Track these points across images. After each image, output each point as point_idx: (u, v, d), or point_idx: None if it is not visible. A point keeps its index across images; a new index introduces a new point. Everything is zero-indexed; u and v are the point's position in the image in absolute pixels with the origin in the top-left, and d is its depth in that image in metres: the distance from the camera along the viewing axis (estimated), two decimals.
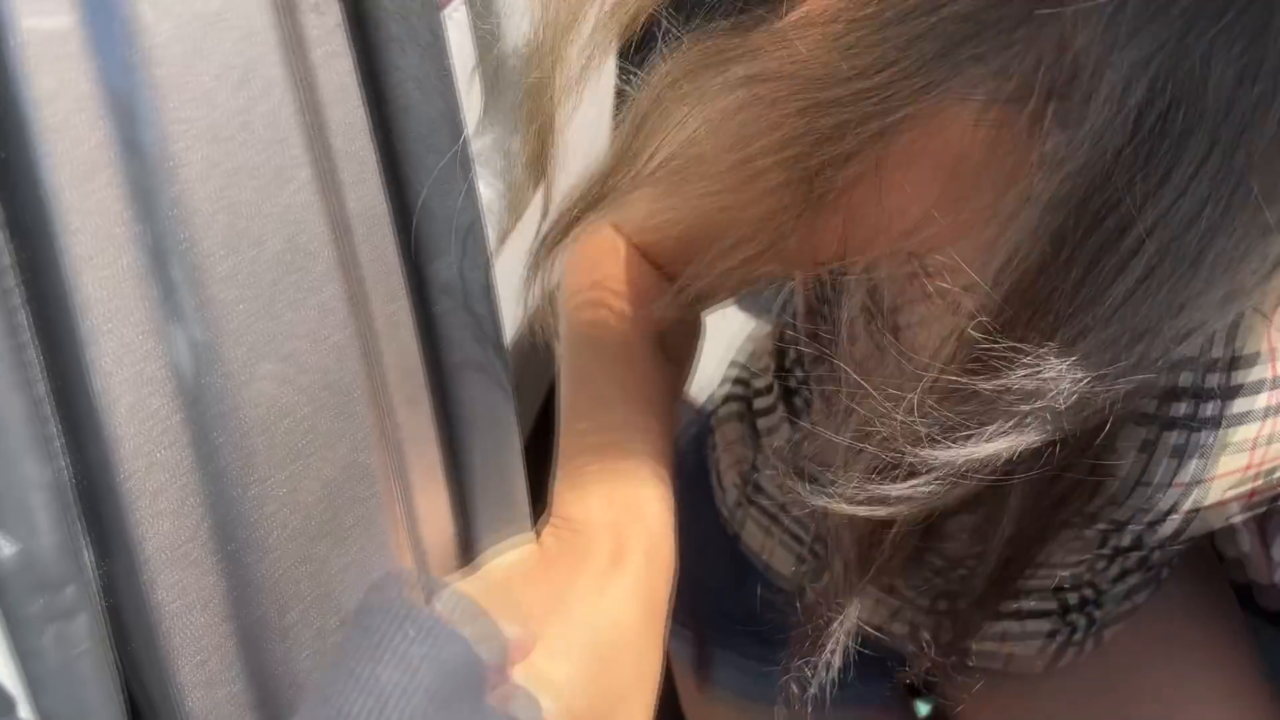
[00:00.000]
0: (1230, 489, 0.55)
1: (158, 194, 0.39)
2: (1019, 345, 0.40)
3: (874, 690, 0.89)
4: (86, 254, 0.38)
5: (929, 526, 0.54)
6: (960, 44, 0.38)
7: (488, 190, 0.64)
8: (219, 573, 0.43)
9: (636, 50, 0.52)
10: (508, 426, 0.51)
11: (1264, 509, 0.63)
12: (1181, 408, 0.51)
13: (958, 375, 0.41)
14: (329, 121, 0.43)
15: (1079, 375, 0.38)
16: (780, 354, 0.79)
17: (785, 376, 0.78)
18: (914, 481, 0.42)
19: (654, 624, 0.50)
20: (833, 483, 0.46)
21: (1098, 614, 0.78)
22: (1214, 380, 0.50)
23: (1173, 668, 0.82)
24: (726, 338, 0.92)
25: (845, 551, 0.53)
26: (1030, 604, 0.76)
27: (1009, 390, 0.40)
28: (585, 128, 0.70)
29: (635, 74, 0.52)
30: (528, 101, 0.53)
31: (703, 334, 0.65)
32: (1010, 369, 0.40)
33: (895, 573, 0.54)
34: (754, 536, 0.87)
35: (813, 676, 0.55)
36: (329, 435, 0.43)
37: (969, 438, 0.41)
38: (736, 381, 0.88)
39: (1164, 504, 0.54)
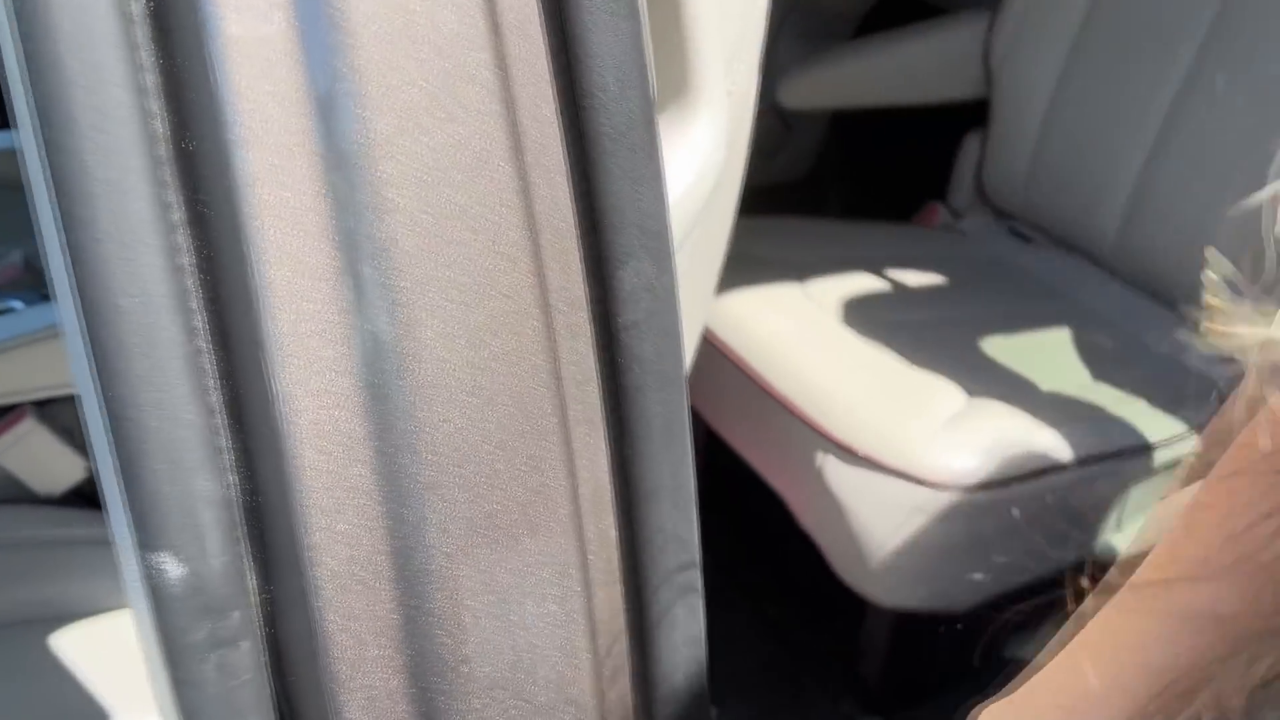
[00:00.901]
0: None
1: (357, 186, 0.35)
2: None
3: None
4: (276, 252, 0.35)
5: None
6: None
7: None
8: (394, 601, 0.39)
9: None
10: (684, 450, 0.47)
11: None
12: None
13: None
14: (520, 115, 0.39)
15: None
16: None
17: None
18: None
19: None
20: None
21: None
22: None
23: None
24: None
25: None
26: None
27: None
28: None
29: None
30: None
31: None
32: None
33: None
34: None
35: None
36: (518, 455, 0.40)
37: None
38: None
39: None
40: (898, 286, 1.37)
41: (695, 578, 0.50)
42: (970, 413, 1.09)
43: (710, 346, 1.24)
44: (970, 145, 1.59)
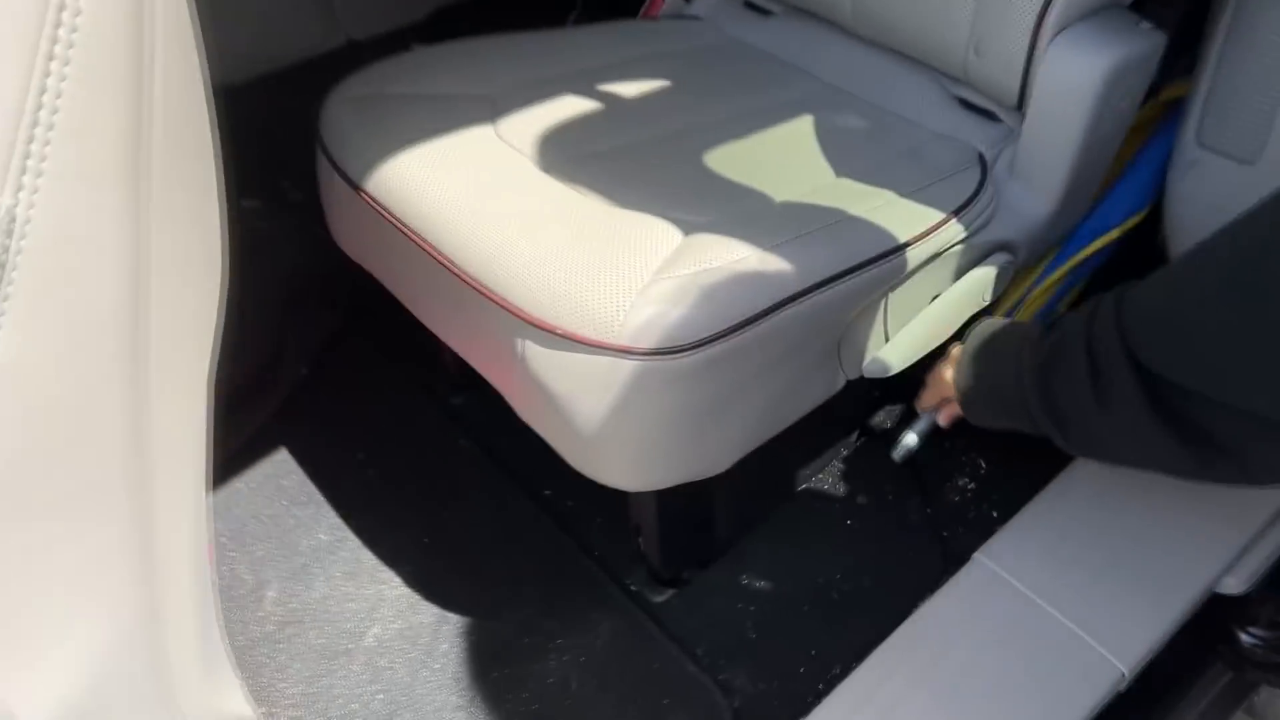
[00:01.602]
0: None
1: None
2: None
3: None
4: None
5: None
6: None
7: None
8: None
9: None
10: None
11: None
12: None
13: None
14: None
15: None
16: None
17: None
18: None
19: None
20: None
21: None
22: None
23: None
24: None
25: None
26: None
27: None
28: None
29: None
30: None
31: None
32: None
33: None
34: None
35: None
36: None
37: None
38: None
39: None
40: (611, 103, 1.16)
41: None
42: (684, 256, 0.91)
43: (389, 225, 1.03)
44: None
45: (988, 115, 1.16)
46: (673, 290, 0.87)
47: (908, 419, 1.13)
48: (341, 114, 1.11)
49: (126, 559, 0.57)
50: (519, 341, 0.92)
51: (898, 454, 1.09)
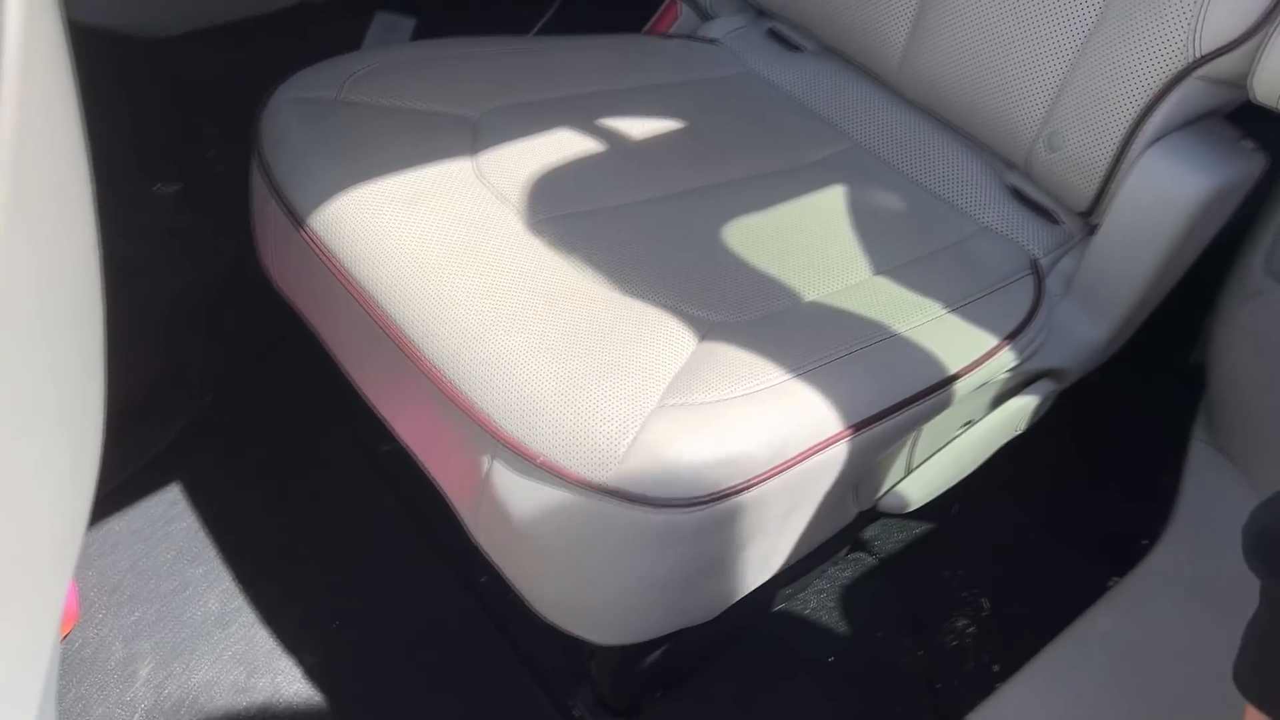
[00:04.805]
0: None
1: None
2: None
3: None
4: None
5: None
6: None
7: None
8: None
9: None
10: None
11: None
12: None
13: None
14: None
15: None
16: None
17: None
18: None
19: None
20: None
21: None
22: None
23: None
24: None
25: None
26: None
27: None
28: None
29: None
30: None
31: None
32: None
33: None
34: None
35: None
36: None
37: None
38: None
39: None
40: (613, 144, 0.98)
41: None
42: (699, 372, 0.73)
43: (333, 279, 0.83)
44: None
45: (1044, 214, 1.00)
46: (686, 425, 0.70)
47: (904, 532, 0.98)
48: (287, 122, 0.90)
49: None
50: (485, 458, 0.74)
51: None
